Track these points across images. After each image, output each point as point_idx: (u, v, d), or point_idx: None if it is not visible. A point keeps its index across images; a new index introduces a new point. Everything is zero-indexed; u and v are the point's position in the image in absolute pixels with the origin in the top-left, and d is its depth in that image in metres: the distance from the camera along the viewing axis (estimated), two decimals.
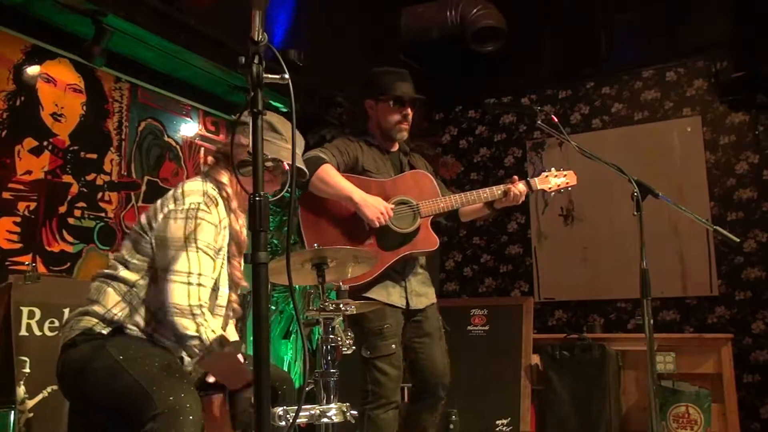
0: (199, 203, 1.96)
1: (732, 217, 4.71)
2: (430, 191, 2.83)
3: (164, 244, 1.92)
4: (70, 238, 3.54)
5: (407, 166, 2.92)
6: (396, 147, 2.93)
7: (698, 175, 4.81)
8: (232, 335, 2.26)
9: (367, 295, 2.65)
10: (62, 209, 3.52)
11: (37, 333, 2.84)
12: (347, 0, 5.08)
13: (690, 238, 4.74)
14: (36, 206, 3.38)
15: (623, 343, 4.53)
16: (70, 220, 3.55)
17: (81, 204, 3.62)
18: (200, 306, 1.88)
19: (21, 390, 2.72)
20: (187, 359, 1.97)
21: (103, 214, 3.73)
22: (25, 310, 2.82)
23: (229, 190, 2.08)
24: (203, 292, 1.91)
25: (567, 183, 2.93)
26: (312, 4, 4.76)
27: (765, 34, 4.42)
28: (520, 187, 2.82)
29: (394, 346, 2.67)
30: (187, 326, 1.84)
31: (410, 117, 2.84)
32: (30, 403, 2.75)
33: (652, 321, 2.32)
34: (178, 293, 1.86)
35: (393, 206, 2.70)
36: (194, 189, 2.01)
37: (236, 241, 2.08)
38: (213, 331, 1.86)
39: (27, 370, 2.75)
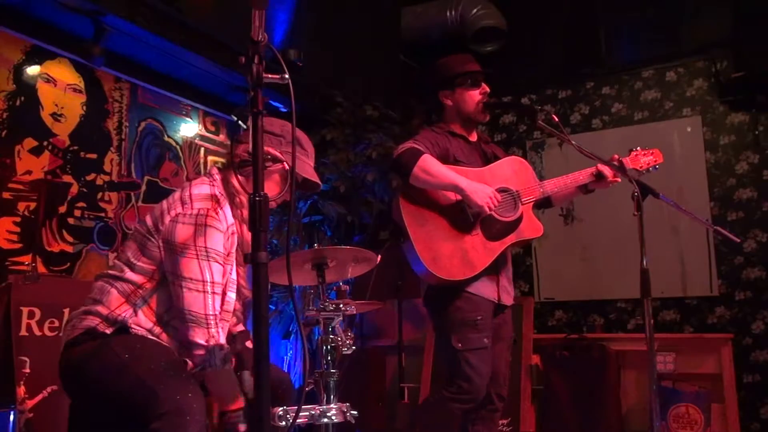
0: (207, 209, 1.95)
1: (732, 217, 4.70)
2: (527, 177, 2.76)
3: (173, 249, 1.92)
4: (70, 238, 3.54)
5: (492, 156, 2.83)
6: (475, 137, 2.85)
7: (698, 175, 4.80)
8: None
9: (470, 290, 2.55)
10: (62, 209, 3.52)
11: (37, 333, 2.84)
12: (347, 0, 5.08)
13: (690, 238, 4.74)
14: (36, 206, 3.38)
15: (623, 343, 4.53)
16: (70, 220, 3.56)
17: (81, 204, 3.62)
18: (215, 316, 1.90)
19: (21, 390, 2.72)
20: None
21: (103, 214, 3.73)
22: (25, 310, 2.82)
23: (244, 199, 2.06)
24: (217, 300, 1.93)
25: (655, 161, 2.84)
26: (312, 4, 4.75)
27: (765, 34, 4.41)
28: (613, 167, 2.70)
29: (486, 340, 2.54)
30: (198, 335, 1.86)
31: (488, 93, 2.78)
32: (30, 403, 2.75)
33: (652, 321, 2.32)
34: (194, 301, 1.88)
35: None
36: (202, 193, 2.00)
37: (243, 249, 2.07)
38: (221, 346, 1.88)
39: (27, 370, 2.75)
